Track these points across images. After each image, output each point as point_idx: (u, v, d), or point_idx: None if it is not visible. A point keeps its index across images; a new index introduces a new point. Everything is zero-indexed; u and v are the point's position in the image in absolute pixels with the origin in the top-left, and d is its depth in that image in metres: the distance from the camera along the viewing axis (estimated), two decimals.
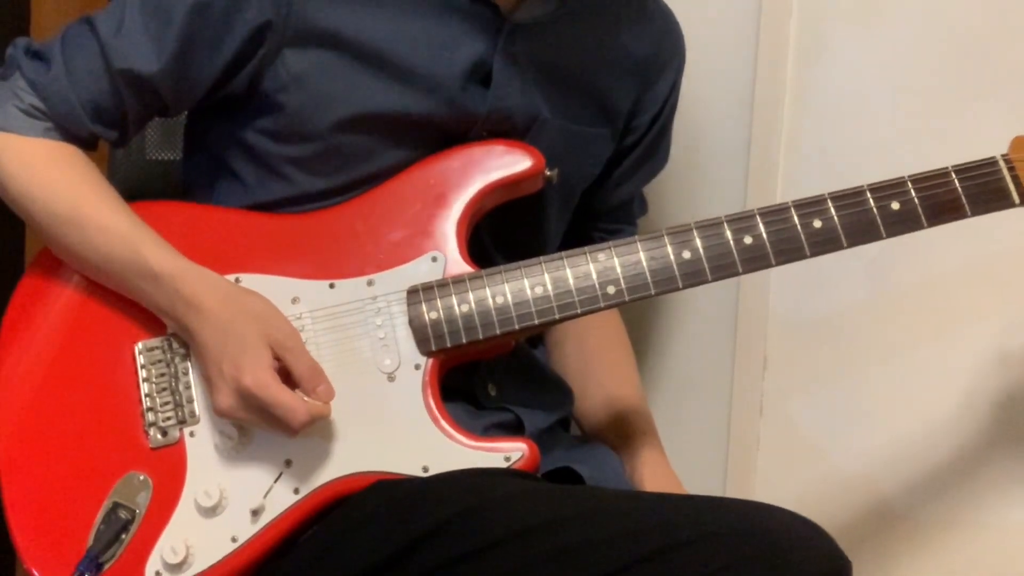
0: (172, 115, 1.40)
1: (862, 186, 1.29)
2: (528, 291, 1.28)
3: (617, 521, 1.15)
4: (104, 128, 1.33)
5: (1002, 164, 1.30)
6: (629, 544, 1.12)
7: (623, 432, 1.49)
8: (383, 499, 1.21)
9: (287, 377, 1.23)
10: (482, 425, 1.35)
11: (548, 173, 1.35)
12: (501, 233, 1.40)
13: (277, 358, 1.23)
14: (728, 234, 1.28)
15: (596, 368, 1.53)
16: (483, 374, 1.38)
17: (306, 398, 1.23)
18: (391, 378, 1.28)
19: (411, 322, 1.28)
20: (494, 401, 1.39)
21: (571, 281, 1.28)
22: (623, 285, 1.28)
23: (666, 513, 1.16)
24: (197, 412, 1.27)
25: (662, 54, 1.48)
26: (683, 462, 1.48)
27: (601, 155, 1.47)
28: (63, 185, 1.30)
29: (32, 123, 1.31)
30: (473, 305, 1.28)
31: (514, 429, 1.38)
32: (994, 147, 1.31)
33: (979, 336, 1.59)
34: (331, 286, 1.30)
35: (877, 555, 1.65)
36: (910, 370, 1.63)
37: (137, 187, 1.54)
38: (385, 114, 1.32)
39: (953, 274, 1.60)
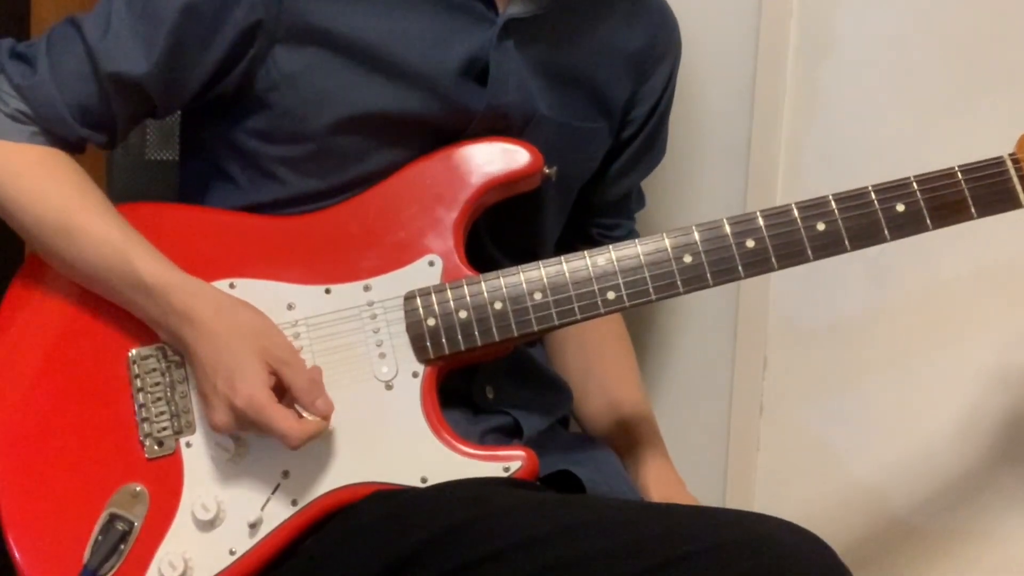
0: (161, 116, 1.38)
1: (866, 187, 1.27)
2: (527, 297, 1.27)
3: (617, 533, 1.13)
4: (92, 131, 1.31)
5: (1009, 164, 1.28)
6: (630, 557, 1.11)
7: (626, 435, 1.48)
8: (381, 510, 1.20)
9: (284, 391, 1.22)
10: (480, 430, 1.34)
11: (547, 171, 1.33)
12: (499, 230, 1.38)
13: (273, 372, 1.21)
14: (730, 237, 1.26)
15: (597, 369, 1.52)
16: (481, 377, 1.36)
17: (304, 414, 1.21)
18: (388, 386, 1.26)
19: (409, 329, 1.26)
20: (492, 404, 1.37)
21: (570, 286, 1.27)
22: (623, 291, 1.26)
23: (666, 525, 1.14)
24: (193, 422, 1.26)
25: (658, 46, 1.46)
26: (683, 463, 1.48)
27: (599, 150, 1.46)
28: (52, 193, 1.27)
29: (18, 128, 1.28)
30: (472, 311, 1.26)
31: (512, 433, 1.37)
32: (996, 147, 1.29)
33: (982, 340, 1.58)
34: (327, 291, 1.28)
35: (877, 559, 1.64)
36: (911, 373, 1.62)
37: (136, 187, 1.53)
38: (379, 113, 1.30)
39: (956, 279, 1.59)
